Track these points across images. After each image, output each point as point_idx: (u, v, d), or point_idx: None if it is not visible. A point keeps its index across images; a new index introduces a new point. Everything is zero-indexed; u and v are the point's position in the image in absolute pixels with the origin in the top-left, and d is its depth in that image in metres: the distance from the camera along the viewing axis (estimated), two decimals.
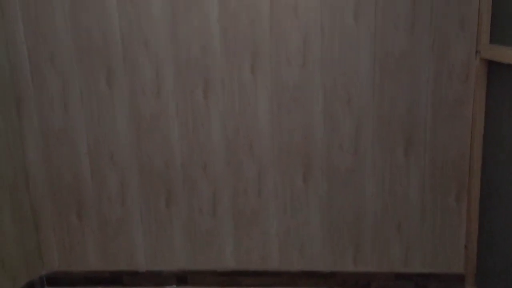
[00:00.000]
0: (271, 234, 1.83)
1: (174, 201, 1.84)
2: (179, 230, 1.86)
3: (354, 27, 1.62)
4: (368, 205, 1.77)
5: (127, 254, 1.89)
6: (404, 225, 1.78)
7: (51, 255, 1.91)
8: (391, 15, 1.60)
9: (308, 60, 1.67)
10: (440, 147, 1.69)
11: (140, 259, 1.89)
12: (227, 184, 1.81)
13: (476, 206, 1.67)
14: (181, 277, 1.89)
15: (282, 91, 1.71)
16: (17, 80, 1.77)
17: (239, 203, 1.82)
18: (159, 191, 1.83)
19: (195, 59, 1.71)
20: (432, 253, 1.79)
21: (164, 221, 1.86)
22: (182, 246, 1.87)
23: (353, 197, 1.77)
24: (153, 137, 1.78)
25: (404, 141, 1.70)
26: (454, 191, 1.73)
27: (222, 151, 1.78)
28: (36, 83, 1.77)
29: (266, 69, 1.69)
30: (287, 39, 1.66)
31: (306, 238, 1.83)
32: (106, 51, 1.72)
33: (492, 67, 1.52)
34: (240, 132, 1.75)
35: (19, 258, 1.79)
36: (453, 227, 1.76)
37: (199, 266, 1.88)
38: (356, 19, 1.62)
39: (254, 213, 1.82)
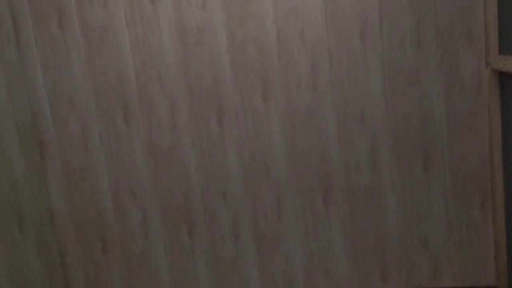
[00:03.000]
0: (295, 259, 1.83)
1: (196, 231, 1.85)
2: (202, 260, 1.87)
3: (361, 47, 1.64)
4: (391, 223, 1.75)
5: (153, 287, 1.91)
6: (430, 240, 1.75)
7: None
8: (397, 34, 1.62)
9: (318, 84, 1.69)
10: (459, 160, 1.68)
11: None
12: (247, 210, 1.82)
13: (502, 215, 1.64)
14: None
15: (294, 115, 1.72)
16: (38, 124, 1.83)
17: (260, 228, 1.82)
18: (180, 222, 1.85)
19: (207, 90, 1.74)
20: (461, 267, 1.75)
21: (188, 252, 1.87)
22: (207, 275, 1.87)
23: (375, 216, 1.76)
24: (171, 169, 1.82)
25: (422, 156, 1.69)
26: (478, 202, 1.70)
27: (240, 178, 1.79)
28: (57, 126, 1.83)
29: (277, 95, 1.72)
30: (296, 64, 1.69)
31: (330, 261, 1.81)
32: (121, 90, 1.78)
33: (503, 77, 1.51)
34: (256, 158, 1.77)
35: None
36: (480, 239, 1.73)
37: None
38: (362, 40, 1.64)
39: (276, 238, 1.82)
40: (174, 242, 1.87)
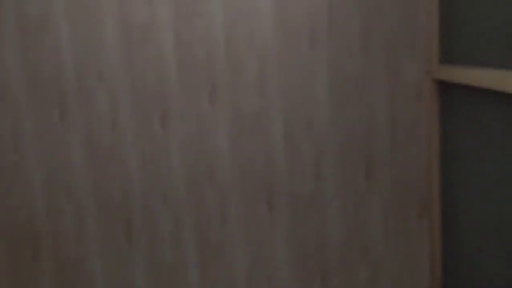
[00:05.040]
0: (237, 264, 1.79)
1: (134, 235, 1.77)
2: (141, 265, 1.79)
3: (309, 54, 1.65)
4: (333, 231, 1.76)
5: None
6: (369, 248, 1.77)
7: None
8: (345, 41, 1.64)
9: (266, 88, 1.68)
10: (400, 168, 1.71)
11: None
12: (189, 215, 1.76)
13: (439, 225, 1.68)
14: None
15: (241, 120, 1.70)
16: None
17: (203, 233, 1.77)
18: (118, 225, 1.76)
19: (152, 90, 1.68)
20: (398, 274, 1.78)
21: (125, 255, 1.78)
22: (145, 281, 1.79)
23: (317, 223, 1.76)
24: (110, 169, 1.73)
25: (365, 165, 1.71)
26: (416, 211, 1.74)
27: (183, 182, 1.74)
28: None
29: (224, 98, 1.69)
30: (245, 68, 1.67)
31: (273, 267, 1.79)
32: (59, 84, 1.68)
33: (444, 87, 1.57)
34: (200, 162, 1.73)
35: None
36: (417, 248, 1.76)
37: None
38: (311, 46, 1.64)
39: (219, 243, 1.77)
40: (111, 247, 1.78)
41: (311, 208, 1.75)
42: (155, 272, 1.79)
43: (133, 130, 1.71)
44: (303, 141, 1.71)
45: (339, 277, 1.79)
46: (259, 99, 1.68)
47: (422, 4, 1.60)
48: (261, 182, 1.73)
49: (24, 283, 1.79)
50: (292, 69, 1.66)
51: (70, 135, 1.71)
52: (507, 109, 1.16)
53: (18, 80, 1.68)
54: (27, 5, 1.63)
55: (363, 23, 1.62)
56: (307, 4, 1.62)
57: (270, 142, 1.71)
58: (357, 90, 1.66)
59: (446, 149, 1.59)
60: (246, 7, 1.62)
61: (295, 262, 1.78)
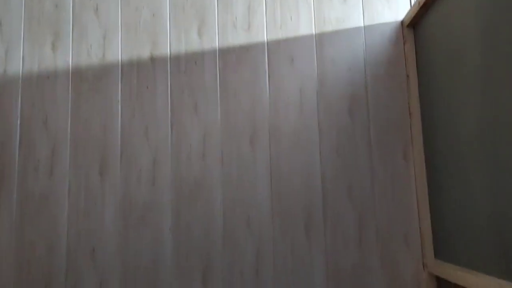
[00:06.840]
0: None
1: None
2: None
3: (306, 244, 1.66)
4: None
5: None
6: None
7: None
8: (340, 232, 1.66)
9: (262, 272, 1.64)
10: None
11: None
12: None
13: None
14: None
15: None
16: None
17: None
18: None
19: (144, 271, 1.63)
20: None
21: None
22: None
23: None
24: None
25: None
26: None
27: None
28: None
29: (219, 281, 1.64)
30: (241, 249, 1.65)
31: None
32: (49, 261, 1.62)
33: (440, 282, 1.56)
34: None
35: None
36: None
37: None
38: (308, 238, 1.66)
39: None
40: None
41: None
42: None
43: None
44: None
45: None
46: (256, 283, 1.63)
47: (413, 201, 1.68)
48: None
49: None
50: (288, 256, 1.65)
51: None
52: None
53: (6, 257, 1.62)
54: (30, 185, 1.67)
55: (357, 214, 1.67)
56: (303, 196, 1.69)
57: None
58: (354, 280, 1.63)
59: None
60: (244, 196, 1.68)
61: None
